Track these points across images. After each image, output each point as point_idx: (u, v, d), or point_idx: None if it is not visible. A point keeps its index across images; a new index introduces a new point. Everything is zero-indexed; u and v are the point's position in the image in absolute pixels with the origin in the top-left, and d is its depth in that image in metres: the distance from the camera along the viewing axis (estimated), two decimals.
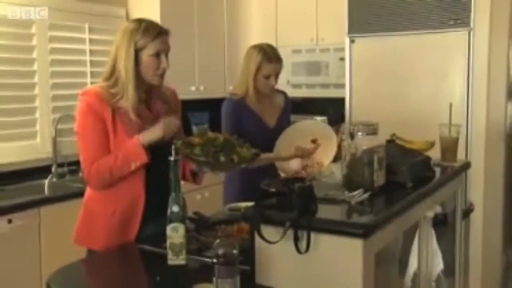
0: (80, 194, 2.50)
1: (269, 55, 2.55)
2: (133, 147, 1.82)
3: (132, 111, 1.85)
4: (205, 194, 3.35)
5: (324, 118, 4.13)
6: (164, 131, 1.83)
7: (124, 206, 1.88)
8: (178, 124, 1.91)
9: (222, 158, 1.77)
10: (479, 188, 3.15)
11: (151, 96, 1.96)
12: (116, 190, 1.88)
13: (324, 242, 1.35)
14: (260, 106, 2.63)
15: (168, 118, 1.88)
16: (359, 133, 1.64)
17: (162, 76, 1.92)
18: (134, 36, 1.85)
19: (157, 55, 1.87)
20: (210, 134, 1.84)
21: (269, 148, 2.57)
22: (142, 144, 1.82)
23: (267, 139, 2.56)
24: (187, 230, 1.62)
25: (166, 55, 1.91)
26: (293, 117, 3.99)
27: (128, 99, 1.85)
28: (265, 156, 2.43)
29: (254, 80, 2.56)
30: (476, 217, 3.11)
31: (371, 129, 1.65)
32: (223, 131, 2.51)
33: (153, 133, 1.84)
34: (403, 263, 1.82)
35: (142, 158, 1.82)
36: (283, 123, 2.74)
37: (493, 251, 3.28)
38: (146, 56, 1.86)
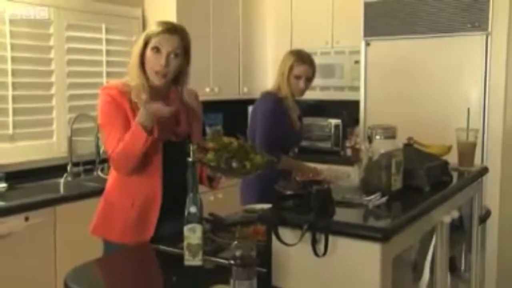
0: (94, 193, 2.54)
1: (302, 56, 2.69)
2: (133, 128, 1.81)
3: (140, 92, 1.85)
4: (219, 195, 3.35)
5: (338, 120, 4.12)
6: (144, 117, 1.78)
7: (142, 200, 1.90)
8: (162, 110, 1.81)
9: (234, 165, 1.74)
10: (495, 193, 3.12)
11: (169, 95, 1.97)
12: (135, 184, 1.90)
13: (342, 246, 1.34)
14: (291, 109, 2.73)
15: (149, 105, 1.80)
16: (377, 137, 1.63)
17: (160, 75, 1.85)
18: (147, 29, 1.92)
19: (157, 49, 1.84)
20: (225, 139, 1.79)
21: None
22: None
23: (293, 141, 2.67)
24: (203, 231, 1.63)
25: (169, 56, 1.84)
26: (307, 120, 4.00)
27: (133, 84, 1.87)
28: (293, 161, 2.53)
29: (288, 80, 2.66)
30: (492, 223, 3.08)
31: (389, 133, 1.64)
32: (264, 127, 2.57)
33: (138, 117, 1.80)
34: (418, 269, 1.80)
35: (142, 136, 1.77)
36: (302, 128, 2.87)
37: (509, 257, 3.24)
38: (149, 49, 1.86)
